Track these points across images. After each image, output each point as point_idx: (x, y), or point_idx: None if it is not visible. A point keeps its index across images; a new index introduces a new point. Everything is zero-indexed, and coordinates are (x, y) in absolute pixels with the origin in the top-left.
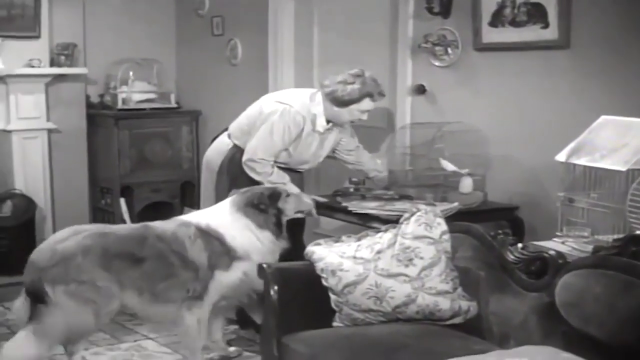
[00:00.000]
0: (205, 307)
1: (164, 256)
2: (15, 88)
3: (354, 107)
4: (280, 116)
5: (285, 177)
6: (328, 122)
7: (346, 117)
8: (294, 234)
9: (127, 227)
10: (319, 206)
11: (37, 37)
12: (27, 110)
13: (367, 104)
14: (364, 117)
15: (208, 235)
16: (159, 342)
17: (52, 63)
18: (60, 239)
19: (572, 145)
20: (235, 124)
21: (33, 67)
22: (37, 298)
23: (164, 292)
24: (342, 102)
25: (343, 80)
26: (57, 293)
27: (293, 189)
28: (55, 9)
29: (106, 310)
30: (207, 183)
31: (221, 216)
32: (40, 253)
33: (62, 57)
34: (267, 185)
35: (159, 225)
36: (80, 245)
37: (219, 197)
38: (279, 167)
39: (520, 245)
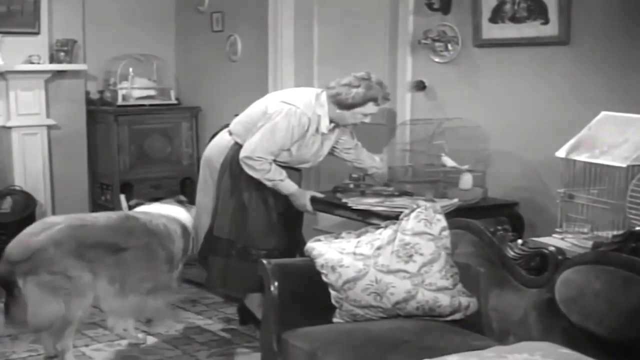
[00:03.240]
0: (170, 295)
1: (151, 249)
2: (15, 84)
3: (357, 110)
4: (285, 116)
5: (283, 174)
6: (331, 122)
7: (349, 119)
8: (293, 230)
9: (107, 217)
10: (318, 202)
11: (37, 33)
12: (27, 106)
13: (370, 107)
14: (367, 120)
15: (187, 232)
16: (159, 337)
17: (52, 59)
18: (35, 233)
19: (572, 141)
20: (237, 121)
21: (33, 63)
22: (8, 290)
23: (136, 282)
24: (346, 106)
25: (348, 83)
26: (28, 284)
27: (290, 187)
28: (55, 5)
29: (78, 299)
30: (205, 179)
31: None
32: (13, 247)
33: (62, 54)
34: (264, 182)
35: (145, 217)
36: (53, 238)
37: (221, 194)
38: (280, 166)
39: (520, 241)
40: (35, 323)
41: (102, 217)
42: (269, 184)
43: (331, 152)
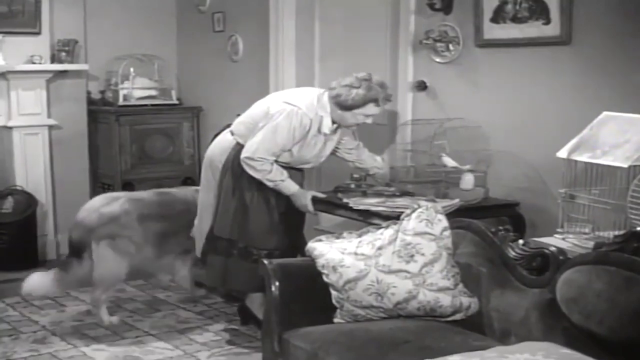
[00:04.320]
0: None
1: (183, 217)
2: (16, 84)
3: (357, 111)
4: (287, 117)
5: (284, 174)
6: (333, 123)
7: (350, 120)
8: (295, 230)
9: (152, 193)
10: (319, 202)
11: (38, 33)
12: (28, 106)
13: (371, 109)
14: (369, 120)
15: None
16: (159, 338)
17: (53, 59)
18: (102, 204)
19: (573, 141)
20: (239, 121)
21: (34, 63)
22: (77, 253)
23: (171, 246)
24: (346, 107)
25: (349, 84)
26: (101, 247)
27: (291, 187)
28: (56, 5)
29: (137, 261)
30: (207, 179)
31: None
32: (88, 216)
33: (63, 54)
34: (265, 182)
35: (177, 191)
36: (123, 207)
37: (223, 194)
38: (281, 166)
39: (521, 241)
40: (100, 280)
41: (147, 193)
42: (270, 184)
43: (333, 153)
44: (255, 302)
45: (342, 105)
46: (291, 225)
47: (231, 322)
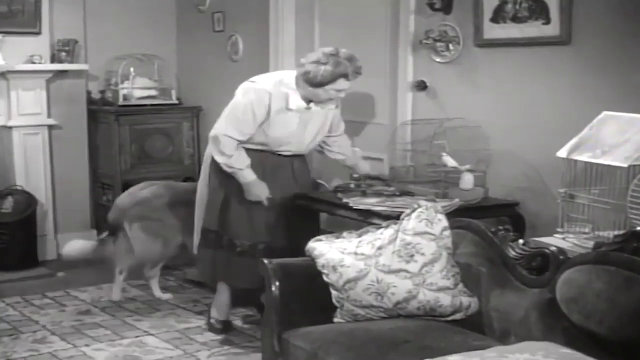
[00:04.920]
0: None
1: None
2: (16, 84)
3: (329, 87)
4: (245, 93)
5: (245, 163)
6: (310, 102)
7: (323, 96)
8: (284, 227)
9: (189, 184)
10: (319, 202)
11: (38, 33)
12: (28, 106)
13: (342, 84)
14: (342, 95)
15: None
16: (160, 338)
17: (53, 59)
18: (139, 189)
19: (573, 141)
20: None
21: (34, 63)
22: (113, 232)
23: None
24: (316, 84)
25: (317, 60)
26: (134, 228)
27: (248, 176)
28: (56, 6)
29: (172, 243)
30: (205, 174)
31: None
32: (123, 198)
33: (63, 54)
34: (225, 167)
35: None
36: (155, 192)
37: (211, 188)
38: (261, 150)
39: (521, 241)
40: (141, 259)
41: (183, 183)
42: (228, 170)
43: (321, 150)
44: None
45: (312, 82)
46: (278, 222)
47: (233, 320)
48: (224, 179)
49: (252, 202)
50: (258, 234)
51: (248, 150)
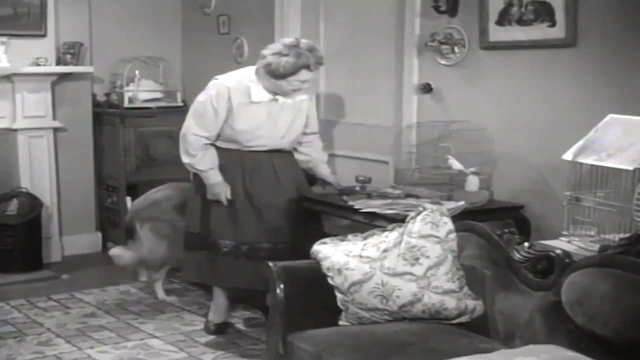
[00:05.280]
0: None
1: None
2: (21, 87)
3: (291, 78)
4: (206, 90)
5: (208, 165)
6: (276, 94)
7: (286, 87)
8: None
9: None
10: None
11: (44, 35)
12: (33, 108)
13: (304, 74)
14: (305, 86)
15: None
16: (164, 340)
17: (59, 62)
18: (154, 191)
19: (579, 144)
20: None
21: (39, 65)
22: (130, 235)
23: None
24: (278, 75)
25: (278, 52)
26: (144, 229)
27: (212, 177)
28: (61, 8)
29: (179, 245)
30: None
31: None
32: (138, 200)
33: (69, 56)
34: (189, 169)
35: None
36: (165, 194)
37: (193, 191)
38: (238, 150)
39: (526, 244)
40: (151, 260)
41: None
42: (192, 170)
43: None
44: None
45: (274, 74)
46: (260, 220)
47: (236, 324)
48: (202, 183)
49: (233, 204)
50: (242, 234)
51: (225, 150)
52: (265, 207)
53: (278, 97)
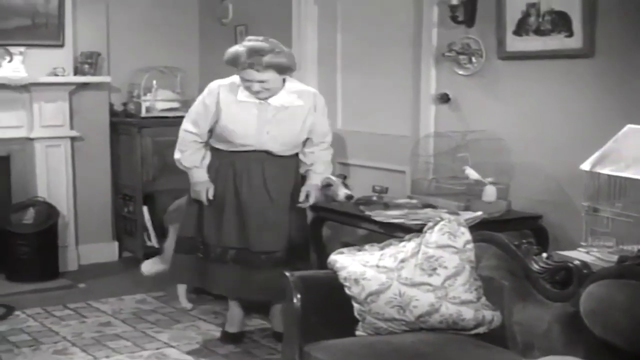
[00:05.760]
0: None
1: None
2: (39, 96)
3: (242, 75)
4: (203, 92)
5: (194, 163)
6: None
7: (245, 85)
8: (254, 232)
9: None
10: (341, 214)
11: (61, 45)
12: (51, 118)
13: (250, 74)
14: (255, 87)
15: None
16: (180, 349)
17: (76, 71)
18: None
19: (597, 154)
20: None
21: (57, 75)
22: (163, 235)
23: None
24: (229, 63)
25: (235, 50)
26: (171, 231)
27: (195, 176)
28: (79, 18)
29: None
30: None
31: None
32: (174, 202)
33: (86, 66)
34: (177, 165)
35: None
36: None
37: (189, 199)
38: (231, 151)
39: (544, 254)
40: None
41: None
42: (180, 167)
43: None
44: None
45: (227, 62)
46: (246, 226)
47: (252, 333)
48: None
49: (222, 207)
50: (228, 239)
51: (218, 150)
52: (251, 213)
53: (272, 99)
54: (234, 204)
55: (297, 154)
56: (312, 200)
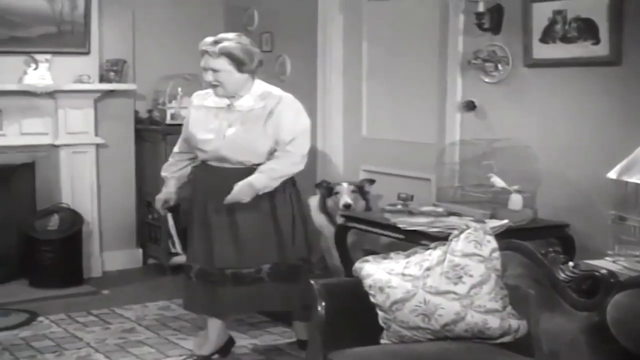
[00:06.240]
0: None
1: None
2: (64, 103)
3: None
4: None
5: (167, 171)
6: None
7: (203, 75)
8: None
9: None
10: (367, 222)
11: (87, 53)
12: (76, 125)
13: (204, 60)
14: (208, 77)
15: None
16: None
17: (102, 79)
18: None
19: (623, 162)
20: None
21: (82, 82)
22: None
23: None
24: None
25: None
26: None
27: (166, 184)
28: (105, 26)
29: None
30: None
31: None
32: None
33: (112, 73)
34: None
35: None
36: None
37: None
38: (207, 165)
39: (571, 263)
40: None
41: None
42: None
43: None
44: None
45: None
46: (215, 241)
47: (276, 341)
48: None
49: (194, 224)
50: (195, 255)
51: (198, 162)
52: (220, 231)
53: (235, 104)
54: (212, 222)
55: None
56: (229, 198)
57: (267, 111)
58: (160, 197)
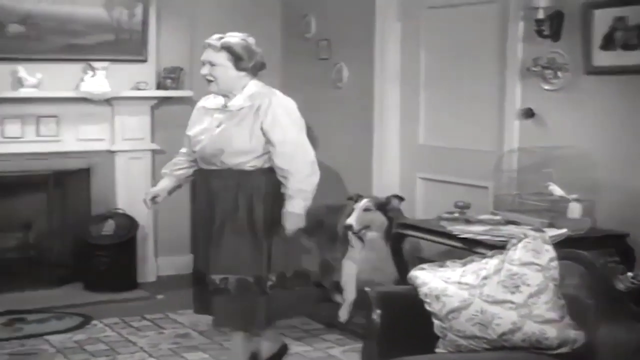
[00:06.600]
0: None
1: None
2: (121, 110)
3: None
4: None
5: (167, 168)
6: (225, 96)
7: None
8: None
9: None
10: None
11: (144, 60)
12: (132, 131)
13: (205, 53)
14: (204, 70)
15: None
16: None
17: (159, 86)
18: None
19: None
20: None
21: (139, 89)
22: None
23: None
24: None
25: None
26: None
27: (160, 183)
28: (163, 34)
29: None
30: None
31: None
32: None
33: (169, 80)
34: None
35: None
36: None
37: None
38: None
39: (630, 274)
40: None
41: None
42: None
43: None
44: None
45: None
46: (212, 245)
47: (329, 348)
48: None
49: (198, 227)
50: (196, 258)
51: (198, 168)
52: (222, 236)
53: (228, 105)
54: (210, 226)
55: (270, 171)
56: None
57: (254, 109)
58: (151, 191)
